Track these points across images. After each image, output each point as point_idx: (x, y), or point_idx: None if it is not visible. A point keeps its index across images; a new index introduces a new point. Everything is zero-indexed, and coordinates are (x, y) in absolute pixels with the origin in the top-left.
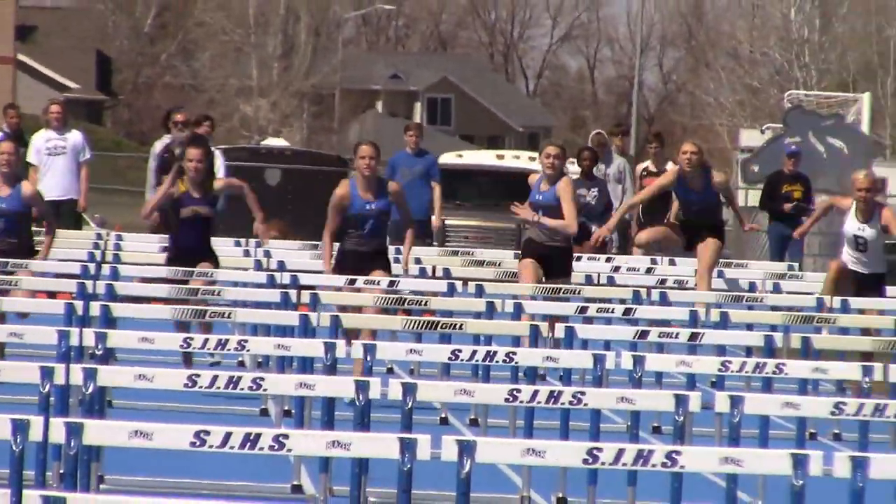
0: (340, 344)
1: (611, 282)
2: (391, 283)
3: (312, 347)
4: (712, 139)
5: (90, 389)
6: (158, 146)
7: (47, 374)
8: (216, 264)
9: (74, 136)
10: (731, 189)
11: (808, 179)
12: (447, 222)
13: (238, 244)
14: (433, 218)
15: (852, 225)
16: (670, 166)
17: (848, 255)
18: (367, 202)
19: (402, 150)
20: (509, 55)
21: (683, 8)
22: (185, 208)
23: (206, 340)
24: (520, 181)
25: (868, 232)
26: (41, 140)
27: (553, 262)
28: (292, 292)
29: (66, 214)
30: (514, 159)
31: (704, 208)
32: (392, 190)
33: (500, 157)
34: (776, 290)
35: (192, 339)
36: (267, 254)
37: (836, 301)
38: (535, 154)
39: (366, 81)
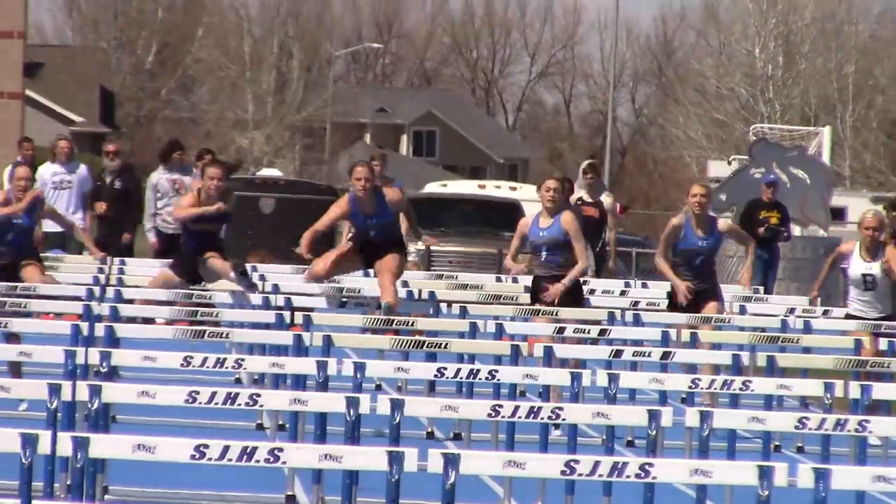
0: (332, 362)
1: (587, 304)
2: (379, 306)
3: (306, 365)
4: (681, 170)
5: (95, 405)
6: (155, 177)
7: (55, 390)
8: (223, 256)
9: (81, 171)
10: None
11: (785, 208)
12: (433, 248)
13: None
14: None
15: (858, 265)
16: (605, 196)
17: (856, 301)
18: (367, 217)
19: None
20: (490, 90)
21: (654, 46)
22: (196, 224)
23: (206, 358)
24: (501, 209)
25: (875, 270)
26: (48, 173)
27: (567, 296)
28: (286, 313)
29: (74, 241)
30: (496, 189)
31: (707, 256)
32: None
33: (482, 186)
34: (742, 311)
35: (192, 357)
36: (262, 277)
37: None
38: (516, 184)
39: (355, 115)
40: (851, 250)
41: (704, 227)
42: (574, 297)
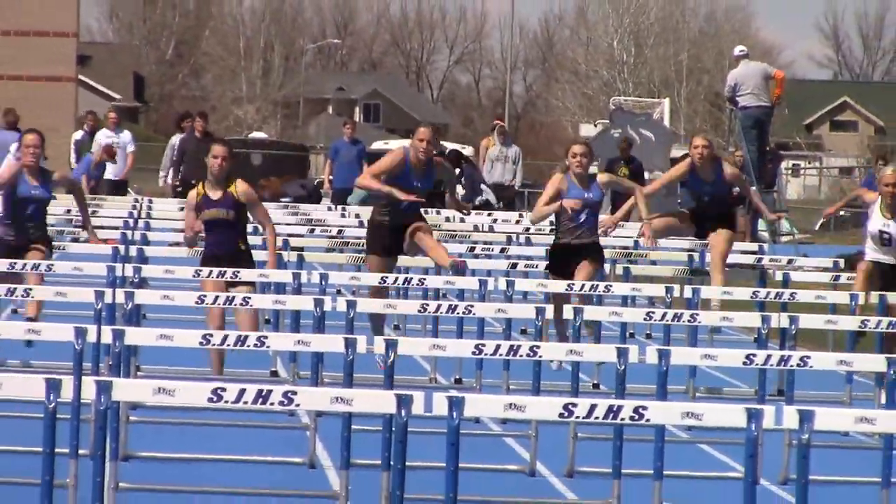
0: (304, 273)
1: (491, 229)
2: (339, 231)
3: (285, 276)
4: (560, 131)
5: (129, 306)
6: (174, 140)
7: (100, 296)
8: (252, 265)
9: (126, 136)
10: (745, 180)
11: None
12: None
13: None
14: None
15: (878, 221)
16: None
17: (872, 251)
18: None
19: (342, 139)
20: (420, 74)
21: (539, 40)
22: (205, 211)
23: (211, 272)
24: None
25: (893, 227)
26: (102, 136)
27: (585, 255)
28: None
29: (120, 188)
30: None
31: (715, 200)
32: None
33: None
34: (605, 234)
35: (201, 270)
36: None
37: (872, 296)
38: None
39: (320, 93)
40: (874, 201)
41: (709, 174)
42: (597, 253)
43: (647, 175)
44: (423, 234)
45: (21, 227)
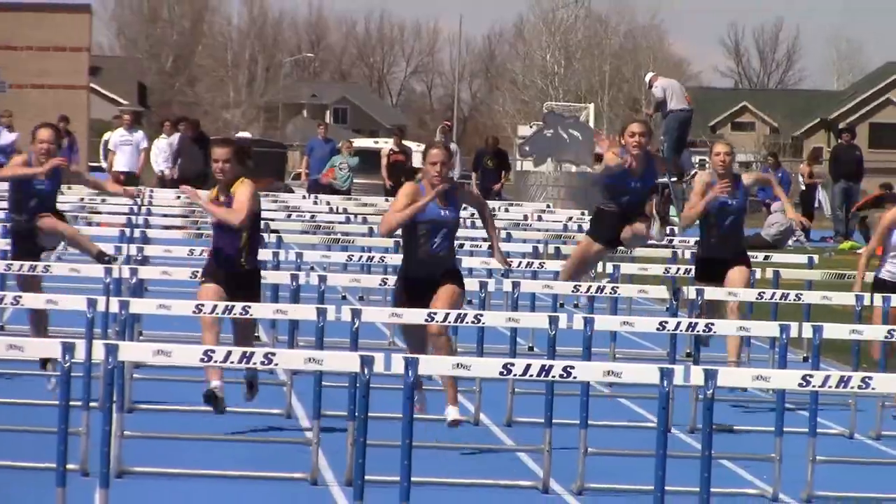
0: (282, 252)
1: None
2: (312, 216)
3: (264, 254)
4: (500, 132)
5: (134, 280)
6: (161, 140)
7: (108, 271)
8: (256, 296)
9: (139, 134)
10: (770, 181)
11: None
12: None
13: None
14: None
15: None
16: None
17: (893, 265)
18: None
19: (316, 138)
20: (381, 83)
21: (483, 54)
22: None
23: (203, 251)
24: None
25: None
26: (117, 135)
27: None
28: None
29: (129, 181)
30: (384, 143)
31: (733, 224)
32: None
33: (376, 142)
34: (539, 219)
35: (194, 249)
36: None
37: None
38: (388, 139)
39: (297, 98)
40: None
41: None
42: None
43: (573, 168)
44: (443, 294)
45: (29, 214)
